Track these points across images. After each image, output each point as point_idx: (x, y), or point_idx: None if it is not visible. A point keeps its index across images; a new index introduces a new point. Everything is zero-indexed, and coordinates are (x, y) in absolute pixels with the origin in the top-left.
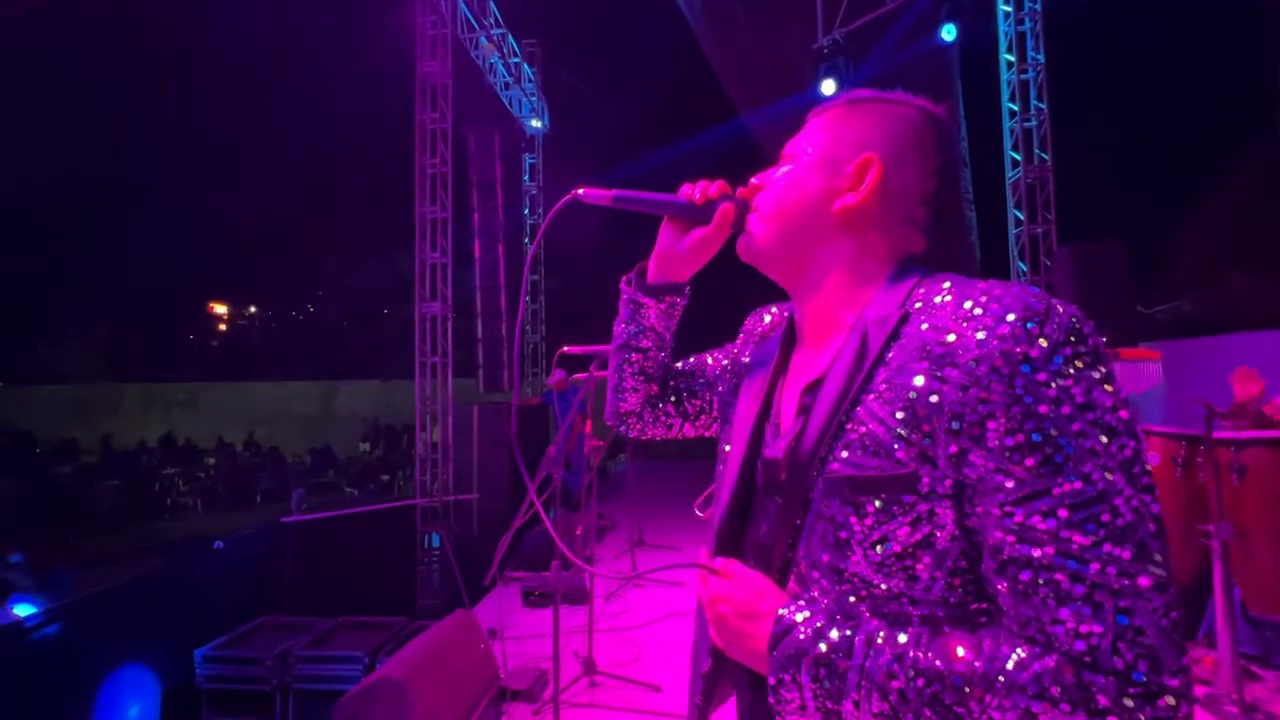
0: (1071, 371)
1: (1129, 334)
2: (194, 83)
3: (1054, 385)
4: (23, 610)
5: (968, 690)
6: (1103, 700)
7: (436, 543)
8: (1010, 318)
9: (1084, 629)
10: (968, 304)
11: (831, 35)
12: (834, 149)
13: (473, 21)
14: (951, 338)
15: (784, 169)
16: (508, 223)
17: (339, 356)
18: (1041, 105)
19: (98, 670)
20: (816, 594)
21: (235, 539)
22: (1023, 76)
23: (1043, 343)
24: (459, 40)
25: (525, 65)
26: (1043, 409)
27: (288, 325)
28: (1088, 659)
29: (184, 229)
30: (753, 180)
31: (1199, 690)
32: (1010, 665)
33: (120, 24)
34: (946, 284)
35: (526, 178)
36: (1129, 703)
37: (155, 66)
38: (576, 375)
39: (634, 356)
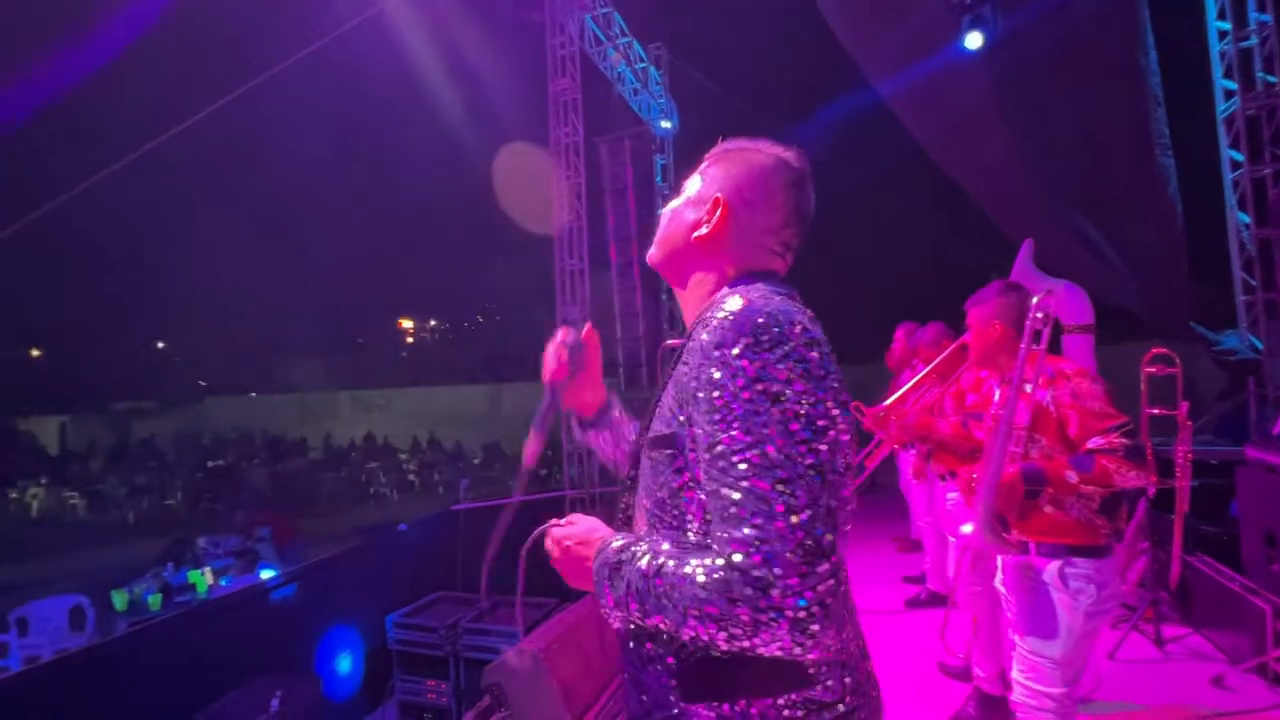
0: (749, 355)
1: None
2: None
3: (734, 365)
4: (266, 573)
5: (675, 584)
6: (734, 593)
7: None
8: (720, 317)
9: (733, 542)
10: (716, 310)
11: None
12: (704, 189)
13: (599, 35)
14: (701, 335)
15: (674, 201)
16: (640, 225)
17: (504, 361)
18: (1264, 17)
19: (319, 626)
20: (641, 528)
21: (417, 523)
22: None
23: (731, 335)
24: (586, 55)
25: (652, 69)
26: (723, 380)
27: (460, 335)
28: (731, 562)
29: (376, 257)
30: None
31: None
32: (702, 567)
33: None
34: (730, 294)
35: (659, 178)
36: (750, 592)
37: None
38: None
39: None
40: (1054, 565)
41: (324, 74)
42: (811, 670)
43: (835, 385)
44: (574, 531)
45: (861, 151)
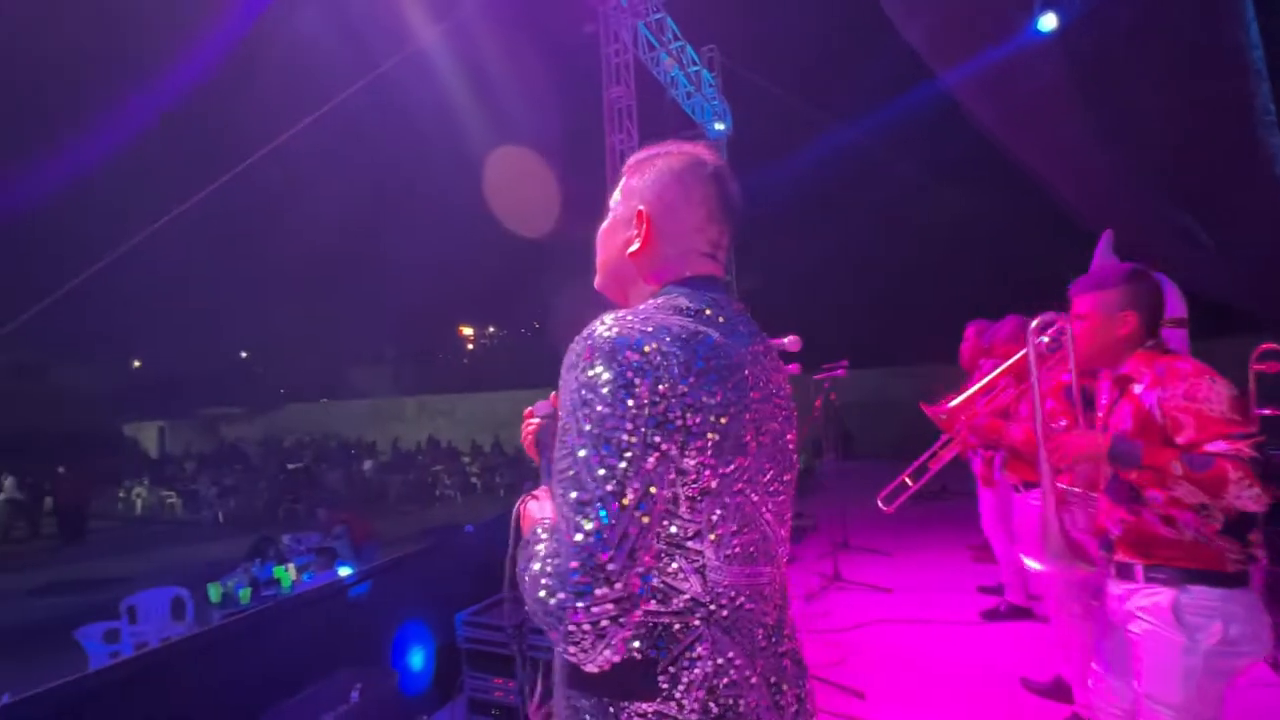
0: (579, 375)
1: None
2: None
3: (570, 386)
4: (344, 571)
5: (527, 574)
6: (536, 595)
7: None
8: (575, 341)
9: (546, 553)
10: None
11: None
12: (624, 207)
13: (652, 40)
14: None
15: (602, 225)
16: None
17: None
18: None
19: (391, 622)
20: None
21: (482, 524)
22: None
23: (572, 357)
24: (640, 62)
25: (705, 71)
26: (564, 399)
27: (519, 341)
28: (541, 567)
29: (434, 270)
30: None
31: None
32: (534, 565)
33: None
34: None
35: None
36: (541, 596)
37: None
38: None
39: None
40: (1166, 595)
41: (382, 99)
42: (665, 685)
43: (674, 414)
44: (536, 505)
45: (921, 146)
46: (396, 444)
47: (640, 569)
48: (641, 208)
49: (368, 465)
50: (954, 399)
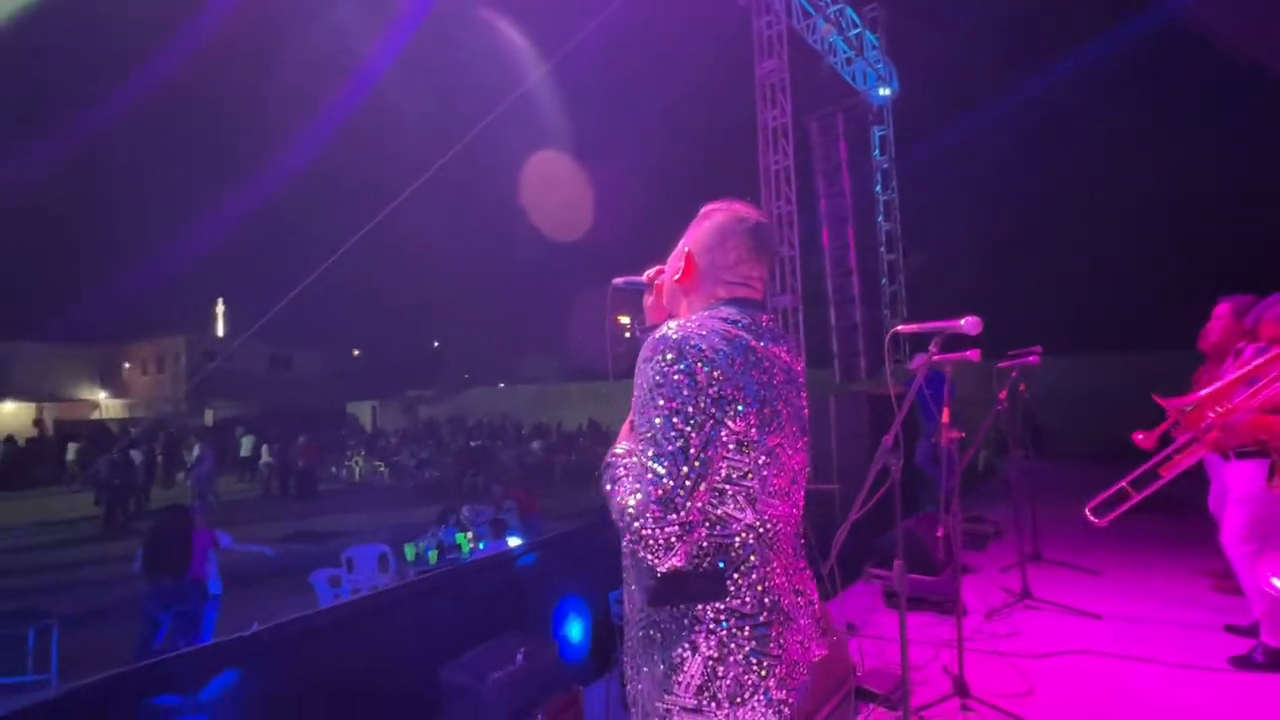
0: (654, 364)
1: None
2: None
3: (646, 371)
4: (513, 540)
5: (616, 497)
6: (623, 522)
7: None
8: (648, 340)
9: (630, 490)
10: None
11: None
12: (681, 246)
13: (808, 8)
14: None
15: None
16: (856, 204)
17: None
18: None
19: (553, 593)
20: None
21: None
22: None
23: (648, 352)
24: (795, 32)
25: (868, 33)
26: (640, 380)
27: None
28: (627, 500)
29: (585, 259)
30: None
31: None
32: (626, 496)
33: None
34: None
35: (877, 151)
36: (626, 522)
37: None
38: (918, 357)
39: None
40: None
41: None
42: (732, 588)
43: (726, 391)
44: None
45: (1128, 96)
46: (560, 427)
47: (699, 503)
48: (688, 249)
49: (535, 445)
50: (1203, 390)
